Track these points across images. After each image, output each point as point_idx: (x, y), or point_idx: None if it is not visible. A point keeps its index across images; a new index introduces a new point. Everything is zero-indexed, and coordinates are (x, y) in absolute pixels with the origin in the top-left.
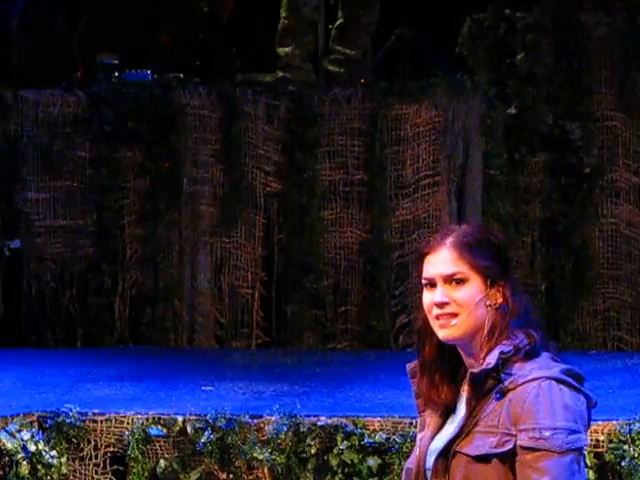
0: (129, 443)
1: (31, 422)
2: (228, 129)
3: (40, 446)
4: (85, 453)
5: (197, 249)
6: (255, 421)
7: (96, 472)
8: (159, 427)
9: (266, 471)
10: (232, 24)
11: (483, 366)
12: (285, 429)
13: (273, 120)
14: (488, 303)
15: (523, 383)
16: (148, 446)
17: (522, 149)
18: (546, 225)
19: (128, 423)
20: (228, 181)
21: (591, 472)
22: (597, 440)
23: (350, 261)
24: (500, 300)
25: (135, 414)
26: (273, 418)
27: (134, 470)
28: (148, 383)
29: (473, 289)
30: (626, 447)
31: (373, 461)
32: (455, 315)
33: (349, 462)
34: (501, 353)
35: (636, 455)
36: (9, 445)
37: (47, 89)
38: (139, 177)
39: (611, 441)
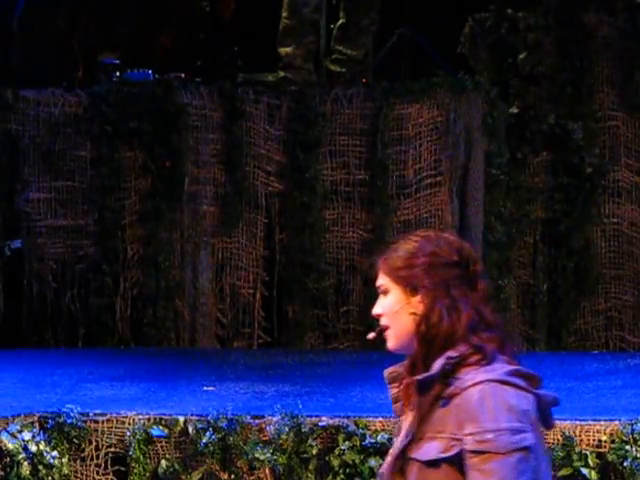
0: (130, 444)
1: (32, 422)
2: (229, 129)
3: (41, 447)
4: (86, 454)
5: (198, 249)
6: (257, 421)
7: (97, 473)
8: (160, 427)
9: (267, 471)
10: (233, 24)
11: (429, 372)
12: (286, 429)
13: (275, 120)
14: (412, 312)
15: (467, 387)
16: (149, 446)
17: (524, 149)
18: (548, 225)
19: (129, 423)
20: (229, 181)
21: (593, 472)
22: (599, 440)
23: (352, 261)
24: (422, 308)
25: (136, 414)
26: (274, 418)
27: (135, 471)
28: (149, 383)
29: (393, 299)
30: (628, 447)
31: (375, 462)
32: (387, 326)
33: (350, 463)
34: (448, 358)
35: (638, 455)
36: (10, 446)
37: (48, 89)
38: (140, 177)
39: (613, 441)
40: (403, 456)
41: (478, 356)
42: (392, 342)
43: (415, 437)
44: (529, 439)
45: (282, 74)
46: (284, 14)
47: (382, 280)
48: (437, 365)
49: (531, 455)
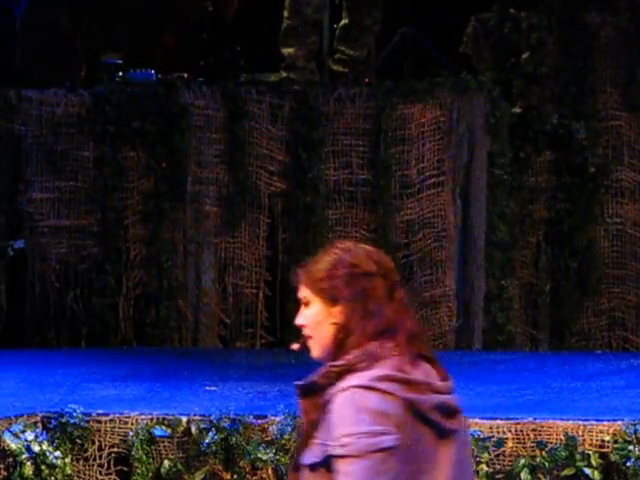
0: (133, 444)
1: (35, 423)
2: (232, 129)
3: (44, 447)
4: (89, 454)
5: (201, 249)
6: (259, 421)
7: (100, 473)
8: (163, 427)
9: (270, 472)
10: (236, 24)
11: (307, 380)
12: (289, 429)
13: (277, 120)
14: (333, 322)
15: (336, 394)
16: (152, 446)
17: (527, 148)
18: (551, 225)
19: (132, 423)
20: (232, 181)
21: (596, 472)
22: (602, 440)
23: None
24: (342, 318)
25: (139, 414)
26: (277, 418)
27: (138, 471)
28: (152, 383)
29: (315, 310)
30: (631, 447)
31: None
32: (310, 336)
33: None
34: (331, 366)
35: None
36: (13, 446)
37: (51, 89)
38: (143, 177)
39: (616, 441)
40: (296, 461)
41: (366, 362)
42: (315, 351)
43: (305, 442)
44: (389, 441)
45: (284, 74)
46: (286, 14)
47: (304, 292)
48: (318, 372)
49: (393, 456)
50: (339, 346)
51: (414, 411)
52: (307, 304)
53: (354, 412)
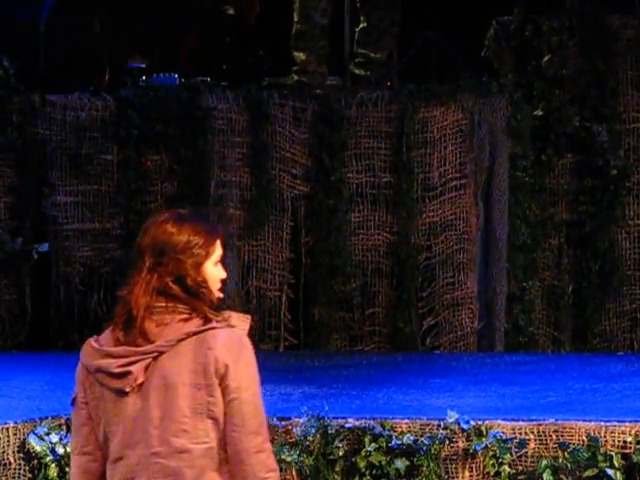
0: None
1: (59, 425)
2: (255, 132)
3: (68, 449)
4: None
5: (224, 252)
6: (283, 423)
7: None
8: None
9: (294, 473)
10: (259, 28)
11: None
12: (313, 431)
13: (300, 123)
14: None
15: None
16: None
17: (548, 151)
18: (573, 227)
19: None
20: (255, 184)
21: (619, 473)
22: (625, 441)
23: (377, 263)
24: None
25: None
26: (301, 420)
27: None
28: None
29: None
30: None
31: (401, 463)
32: None
33: (377, 464)
34: None
35: None
36: (38, 448)
37: (75, 93)
38: (166, 180)
39: (639, 442)
40: None
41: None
42: None
43: None
44: (73, 399)
45: (296, 78)
46: (296, 19)
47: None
48: None
49: (79, 410)
50: None
51: (91, 374)
52: None
53: None
